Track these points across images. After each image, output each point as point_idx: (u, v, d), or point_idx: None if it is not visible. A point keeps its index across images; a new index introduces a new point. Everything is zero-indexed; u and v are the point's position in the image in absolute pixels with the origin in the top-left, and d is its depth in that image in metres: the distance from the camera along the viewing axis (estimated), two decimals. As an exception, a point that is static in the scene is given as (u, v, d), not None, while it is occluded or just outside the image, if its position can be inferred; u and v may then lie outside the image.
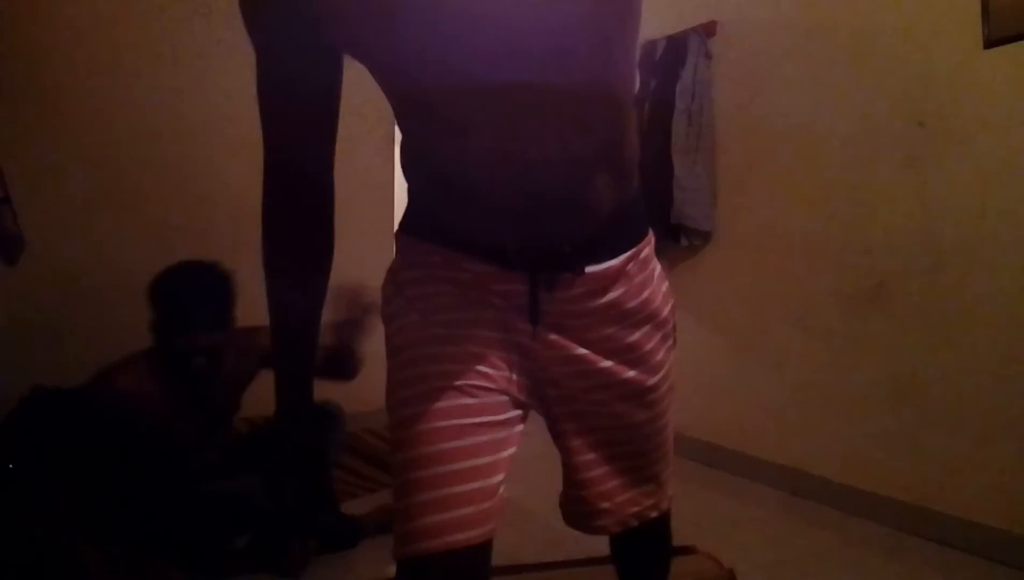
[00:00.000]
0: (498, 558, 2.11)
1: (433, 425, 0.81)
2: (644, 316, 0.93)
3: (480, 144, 0.75)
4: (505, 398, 0.86)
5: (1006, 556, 2.03)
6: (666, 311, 0.96)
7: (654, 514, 1.02)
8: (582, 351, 0.89)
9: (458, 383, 0.82)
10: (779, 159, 2.73)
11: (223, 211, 2.85)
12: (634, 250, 0.90)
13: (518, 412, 0.88)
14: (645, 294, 0.93)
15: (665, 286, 0.97)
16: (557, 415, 0.94)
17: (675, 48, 3.05)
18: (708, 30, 2.96)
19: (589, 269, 0.86)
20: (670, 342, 0.98)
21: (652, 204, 3.04)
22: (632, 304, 0.91)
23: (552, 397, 0.92)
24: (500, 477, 0.83)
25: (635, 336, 0.92)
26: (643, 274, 0.93)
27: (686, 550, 2.07)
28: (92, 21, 2.75)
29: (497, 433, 0.84)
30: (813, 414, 2.58)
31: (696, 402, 3.08)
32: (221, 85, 2.98)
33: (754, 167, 2.83)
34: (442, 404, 0.82)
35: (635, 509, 0.99)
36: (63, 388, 2.49)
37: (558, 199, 0.80)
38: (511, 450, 0.86)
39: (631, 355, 0.92)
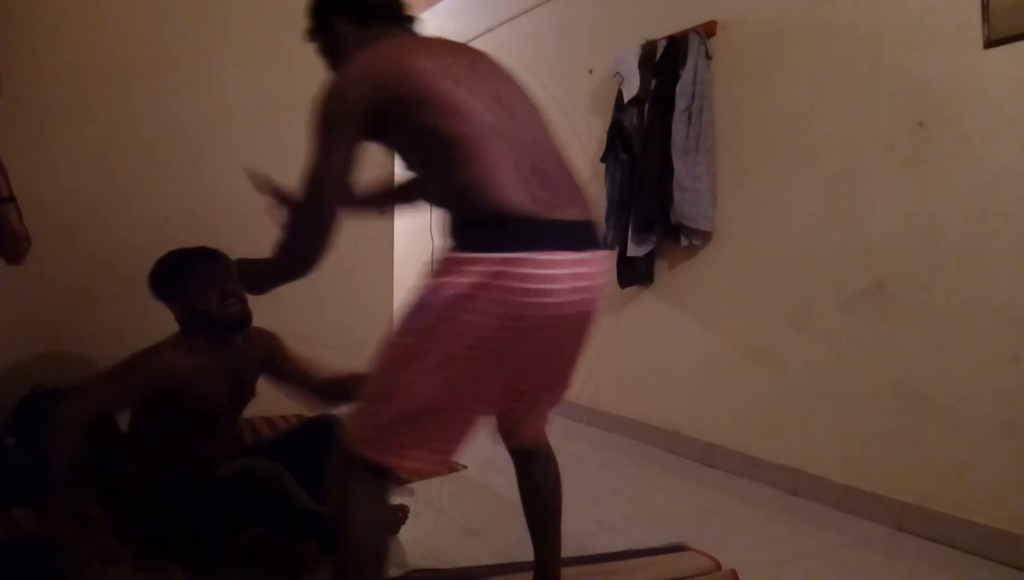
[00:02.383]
0: (498, 557, 2.12)
1: None
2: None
3: None
4: None
5: (1006, 556, 2.03)
6: (409, 303, 1.26)
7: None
8: None
9: None
10: (779, 159, 2.73)
11: (222, 211, 2.85)
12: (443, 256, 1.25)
13: None
14: (421, 286, 1.25)
15: (423, 293, 1.24)
16: None
17: (675, 48, 3.05)
18: (708, 30, 2.96)
19: None
20: (399, 330, 1.27)
21: (652, 204, 3.04)
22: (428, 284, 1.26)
23: None
24: None
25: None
26: (435, 271, 1.24)
27: (677, 548, 2.07)
28: (92, 21, 2.74)
29: None
30: (813, 414, 2.58)
31: (696, 402, 3.08)
32: (221, 85, 2.99)
33: (754, 167, 2.83)
34: None
35: None
36: (63, 388, 2.49)
37: None
38: None
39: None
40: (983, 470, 2.10)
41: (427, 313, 1.22)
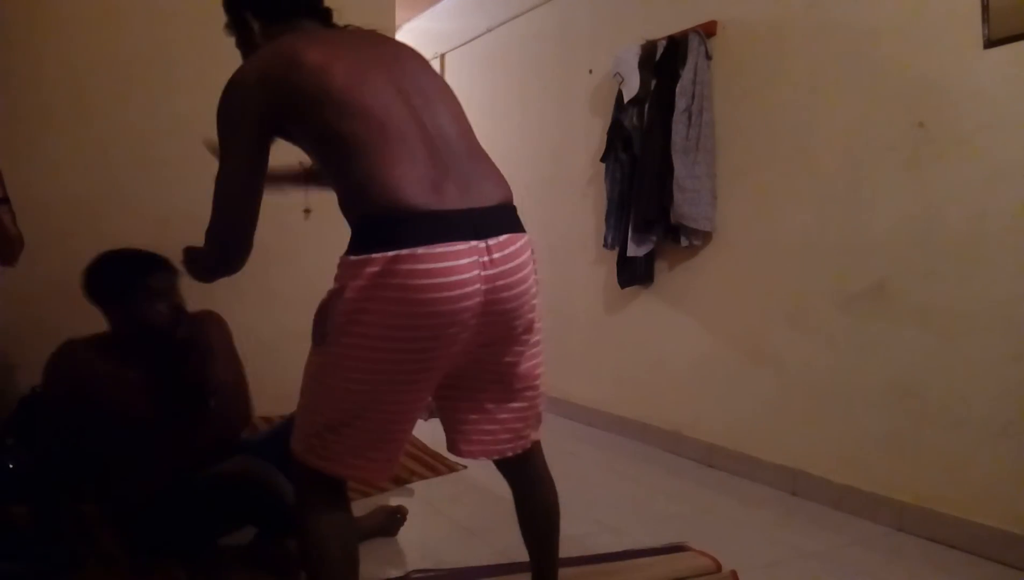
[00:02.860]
0: (498, 557, 2.11)
1: None
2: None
3: None
4: None
5: (1006, 556, 2.03)
6: (317, 315, 1.25)
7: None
8: None
9: None
10: (779, 159, 2.73)
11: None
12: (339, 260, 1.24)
13: None
14: (328, 294, 1.25)
15: (323, 303, 1.24)
16: None
17: (675, 48, 3.05)
18: (708, 30, 2.96)
19: None
20: (312, 340, 1.27)
21: (652, 204, 3.04)
22: None
23: None
24: None
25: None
26: (335, 278, 1.24)
27: (677, 548, 2.07)
28: (91, 21, 2.74)
29: None
30: (813, 414, 2.58)
31: (696, 402, 3.08)
32: (220, 85, 2.98)
33: (754, 167, 2.83)
34: None
35: None
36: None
37: None
38: None
39: None
40: (983, 470, 2.10)
41: (330, 321, 1.20)
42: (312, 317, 1.26)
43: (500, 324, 1.26)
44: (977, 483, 2.11)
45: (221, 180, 1.31)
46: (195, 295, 2.89)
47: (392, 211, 1.17)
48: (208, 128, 3.24)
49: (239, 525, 1.99)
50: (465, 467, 2.79)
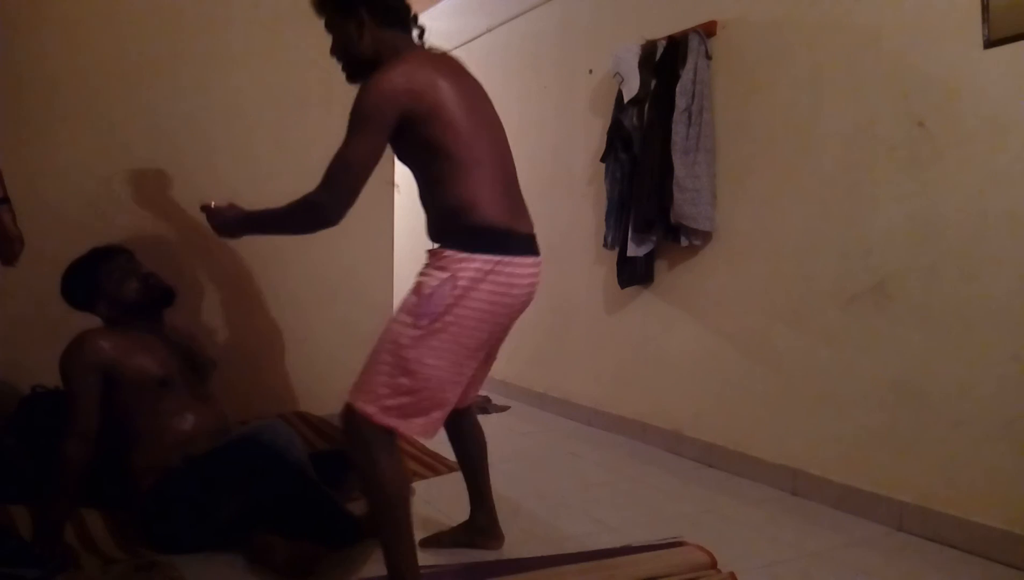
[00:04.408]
0: (498, 555, 2.11)
1: None
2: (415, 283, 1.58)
3: None
4: None
5: (1006, 556, 2.03)
6: (416, 291, 1.55)
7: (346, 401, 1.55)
8: None
9: None
10: (779, 159, 2.73)
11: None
12: (437, 249, 1.59)
13: None
14: (424, 276, 1.56)
15: (432, 282, 1.52)
16: None
17: (675, 48, 3.05)
18: (708, 30, 2.96)
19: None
20: (401, 306, 1.57)
21: (652, 204, 3.04)
22: (421, 272, 1.59)
23: None
24: None
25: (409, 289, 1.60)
26: (435, 265, 1.55)
27: (673, 543, 2.07)
28: (94, 21, 2.74)
29: None
30: (813, 414, 2.58)
31: (696, 402, 3.08)
32: (224, 86, 2.98)
33: (754, 167, 2.83)
34: None
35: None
36: (63, 388, 2.49)
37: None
38: None
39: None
40: (983, 469, 2.10)
41: (437, 300, 1.50)
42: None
43: (516, 317, 1.69)
44: (977, 483, 2.11)
45: (348, 162, 1.52)
46: (202, 294, 2.90)
47: (490, 226, 1.56)
48: (214, 129, 3.24)
49: (252, 500, 1.97)
50: (465, 467, 2.79)
